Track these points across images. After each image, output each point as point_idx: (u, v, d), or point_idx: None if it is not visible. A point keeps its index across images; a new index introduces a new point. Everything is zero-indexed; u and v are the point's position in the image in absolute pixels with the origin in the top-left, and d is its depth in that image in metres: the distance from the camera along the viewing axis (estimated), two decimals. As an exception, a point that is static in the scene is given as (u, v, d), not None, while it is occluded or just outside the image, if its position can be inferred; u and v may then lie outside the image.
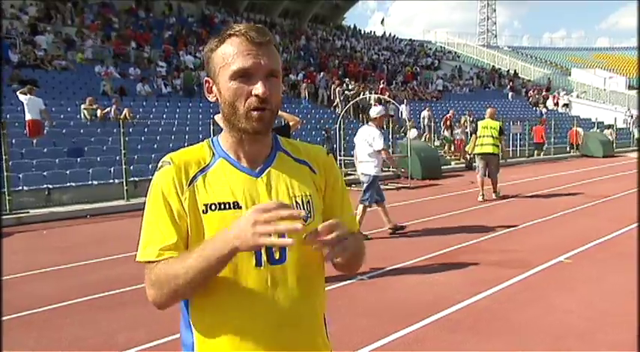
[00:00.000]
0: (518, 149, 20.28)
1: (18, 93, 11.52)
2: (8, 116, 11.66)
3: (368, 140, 6.80)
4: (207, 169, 1.19)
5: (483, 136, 9.77)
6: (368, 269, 5.25)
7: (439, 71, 33.55)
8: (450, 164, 17.30)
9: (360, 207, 6.80)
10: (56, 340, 3.68)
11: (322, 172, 1.29)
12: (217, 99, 1.20)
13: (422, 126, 19.45)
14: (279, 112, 5.62)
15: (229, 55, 1.14)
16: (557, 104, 31.27)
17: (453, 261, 5.59)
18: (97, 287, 4.79)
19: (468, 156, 15.30)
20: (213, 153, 1.22)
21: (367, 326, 3.87)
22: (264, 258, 1.14)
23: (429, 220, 8.08)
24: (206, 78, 1.22)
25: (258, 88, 1.12)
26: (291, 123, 5.18)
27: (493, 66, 37.89)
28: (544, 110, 29.30)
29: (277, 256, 1.16)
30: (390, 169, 14.35)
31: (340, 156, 13.48)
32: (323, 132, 12.37)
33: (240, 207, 1.15)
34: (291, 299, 1.16)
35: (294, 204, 1.19)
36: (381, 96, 18.95)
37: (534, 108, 29.82)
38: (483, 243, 6.49)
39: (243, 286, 1.13)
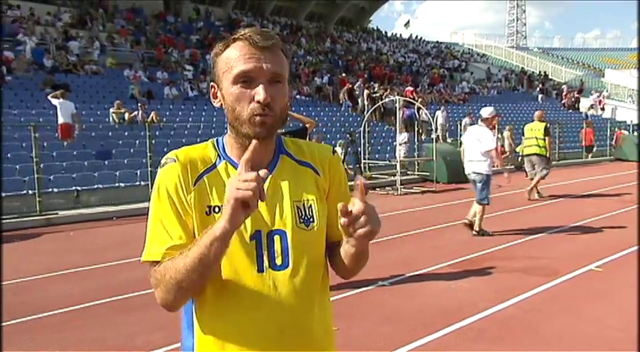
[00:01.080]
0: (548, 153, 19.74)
1: (49, 97, 11.85)
2: (41, 119, 12.00)
3: (480, 139, 6.90)
4: (212, 170, 1.18)
5: (529, 138, 10.05)
6: (390, 274, 5.17)
7: (466, 73, 33.08)
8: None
9: (479, 206, 6.95)
10: (77, 342, 3.72)
11: (327, 173, 1.26)
12: (222, 104, 1.18)
13: (436, 127, 19.08)
14: (295, 115, 5.58)
15: (232, 59, 1.13)
16: (603, 108, 30.23)
17: (477, 268, 5.45)
18: (119, 289, 4.84)
19: (518, 158, 15.63)
20: (218, 155, 1.20)
21: (388, 333, 3.78)
22: (265, 263, 1.13)
23: (454, 225, 7.91)
24: (211, 83, 1.21)
25: (260, 94, 1.10)
26: (307, 126, 5.18)
27: (522, 68, 37.15)
28: (590, 112, 28.44)
29: (279, 262, 1.14)
30: (416, 172, 14.19)
31: (365, 159, 13.39)
32: (347, 135, 12.30)
33: None
34: (293, 305, 1.14)
35: (296, 208, 1.18)
36: (408, 99, 18.77)
37: (569, 111, 28.99)
38: (509, 249, 6.31)
39: (245, 292, 1.12)
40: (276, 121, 1.14)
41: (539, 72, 36.14)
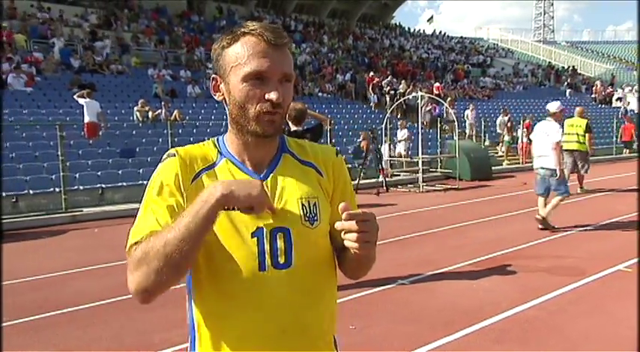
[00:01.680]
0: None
1: (75, 96, 12.10)
2: (68, 118, 12.26)
3: (548, 133, 6.91)
4: (212, 168, 1.16)
5: (569, 134, 10.08)
6: (410, 273, 5.09)
7: (491, 69, 32.53)
8: (502, 164, 16.68)
9: (557, 198, 6.97)
10: (97, 338, 3.77)
11: (330, 174, 1.23)
12: (224, 98, 1.15)
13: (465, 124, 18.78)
14: (312, 112, 5.57)
15: (243, 54, 1.10)
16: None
17: (500, 267, 5.32)
18: (140, 285, 4.88)
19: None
20: (219, 152, 1.18)
21: (407, 333, 3.72)
22: (268, 262, 1.10)
23: (477, 223, 7.78)
24: (213, 75, 1.17)
25: (273, 94, 1.08)
26: (322, 123, 5.20)
27: (549, 62, 36.33)
28: (629, 107, 27.60)
29: (282, 260, 1.11)
30: (438, 170, 14.01)
31: (386, 156, 13.26)
32: (369, 133, 12.19)
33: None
34: (296, 305, 1.12)
35: (300, 206, 1.15)
36: (432, 96, 18.54)
37: (600, 106, 28.14)
38: (534, 247, 6.16)
39: (246, 291, 1.10)
40: (282, 120, 1.14)
41: (567, 66, 35.27)
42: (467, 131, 18.71)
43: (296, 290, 1.12)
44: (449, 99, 18.54)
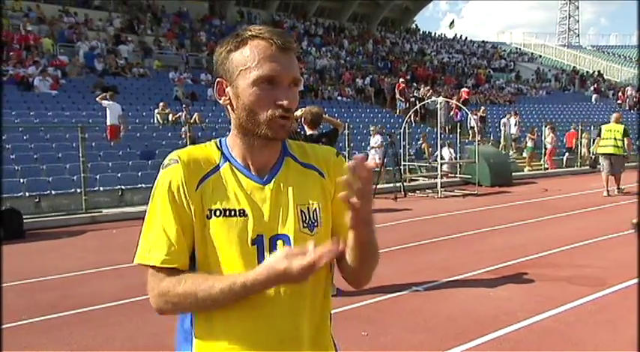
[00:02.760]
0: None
1: (98, 99, 12.30)
2: (90, 120, 12.49)
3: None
4: (215, 172, 1.15)
5: (606, 138, 10.72)
6: (425, 279, 5.03)
7: (514, 73, 32.09)
8: (523, 170, 16.42)
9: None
10: (111, 339, 3.81)
11: (332, 175, 1.21)
12: (230, 102, 1.14)
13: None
14: (327, 117, 5.54)
15: (253, 58, 1.09)
16: None
17: (517, 275, 5.22)
18: (154, 286, 4.92)
19: (592, 157, 16.55)
20: (221, 156, 1.17)
21: (419, 341, 3.67)
22: None
23: (495, 229, 7.65)
24: (218, 79, 1.16)
25: (286, 100, 1.09)
26: (337, 128, 5.18)
27: (574, 67, 35.69)
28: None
29: None
30: (457, 175, 13.85)
31: (404, 161, 13.17)
32: (387, 137, 12.13)
33: (245, 215, 1.11)
34: (295, 313, 1.12)
35: (299, 212, 1.14)
36: (453, 101, 18.37)
37: (630, 111, 27.46)
38: (553, 256, 6.02)
39: (246, 299, 1.08)
40: (292, 123, 1.13)
41: (593, 71, 34.59)
42: (502, 141, 18.19)
43: (295, 298, 1.11)
44: (480, 110, 18.28)
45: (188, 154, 1.15)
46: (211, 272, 1.10)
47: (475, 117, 16.14)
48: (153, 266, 1.10)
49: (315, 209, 1.16)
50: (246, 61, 1.09)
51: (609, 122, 11.01)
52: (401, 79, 21.78)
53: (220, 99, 1.17)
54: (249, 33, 1.11)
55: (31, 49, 16.43)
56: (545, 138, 16.86)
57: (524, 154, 17.65)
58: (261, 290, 1.05)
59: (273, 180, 1.15)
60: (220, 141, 1.21)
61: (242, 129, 1.13)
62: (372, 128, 13.78)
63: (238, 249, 1.09)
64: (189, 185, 1.11)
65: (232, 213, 1.10)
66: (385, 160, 11.54)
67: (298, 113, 4.75)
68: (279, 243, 1.11)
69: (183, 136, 10.85)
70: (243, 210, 1.11)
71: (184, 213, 1.10)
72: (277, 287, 1.09)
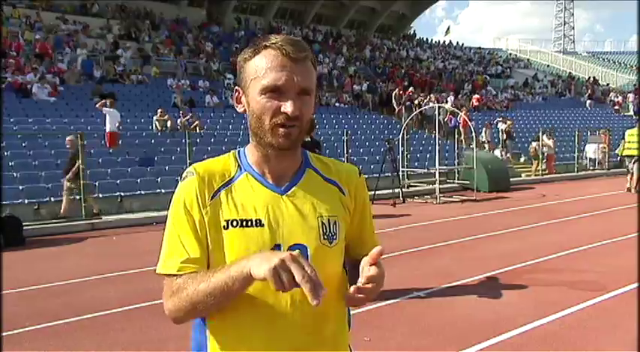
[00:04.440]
0: (596, 162, 18.91)
1: (97, 106, 12.28)
2: (89, 127, 12.49)
3: None
4: (232, 183, 1.16)
5: (631, 141, 12.06)
6: (425, 285, 5.05)
7: (510, 80, 32.26)
8: (521, 176, 16.49)
9: None
10: (114, 344, 3.82)
11: (352, 194, 1.24)
12: (245, 110, 1.17)
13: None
14: None
15: (262, 67, 1.10)
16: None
17: (517, 280, 5.25)
18: (156, 293, 4.86)
19: (618, 158, 17.62)
20: (239, 166, 1.19)
21: (422, 346, 3.69)
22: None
23: (494, 235, 7.69)
24: (236, 87, 1.19)
25: (288, 107, 1.09)
26: None
27: (570, 73, 35.91)
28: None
29: None
30: (456, 181, 13.90)
31: (403, 167, 13.22)
32: (385, 143, 12.17)
33: (262, 225, 1.12)
34: (309, 321, 1.12)
35: (320, 224, 1.15)
36: (449, 107, 18.46)
37: (634, 117, 27.56)
38: (553, 261, 6.06)
39: (262, 306, 1.10)
40: (301, 133, 1.13)
41: (588, 77, 34.81)
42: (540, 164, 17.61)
43: (310, 307, 1.09)
44: (508, 122, 18.25)
45: (205, 167, 1.17)
46: None
47: (472, 125, 16.20)
48: (169, 275, 1.11)
49: (335, 221, 1.17)
50: (256, 71, 1.11)
51: (633, 127, 12.48)
52: (411, 88, 21.83)
53: (238, 107, 1.19)
54: (264, 43, 1.12)
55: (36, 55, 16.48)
56: (542, 143, 16.93)
57: (521, 160, 17.74)
58: (239, 286, 1.01)
59: (292, 189, 1.16)
60: (239, 151, 1.22)
61: (255, 137, 1.15)
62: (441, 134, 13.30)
63: None
64: (202, 198, 1.12)
65: (249, 223, 1.11)
66: (383, 166, 11.59)
67: None
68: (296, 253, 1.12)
69: (183, 142, 10.83)
70: (260, 220, 1.11)
71: (200, 224, 1.12)
72: (292, 296, 1.09)
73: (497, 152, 16.90)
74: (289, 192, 1.16)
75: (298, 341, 1.11)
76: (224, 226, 1.11)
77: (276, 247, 1.11)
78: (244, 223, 1.11)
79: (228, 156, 1.21)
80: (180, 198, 1.14)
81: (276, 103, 1.09)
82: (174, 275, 1.10)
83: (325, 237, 1.15)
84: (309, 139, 4.90)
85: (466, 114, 16.54)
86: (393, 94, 20.35)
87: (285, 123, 1.09)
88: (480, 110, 22.99)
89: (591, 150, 18.80)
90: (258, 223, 1.11)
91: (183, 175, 1.17)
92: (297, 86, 1.09)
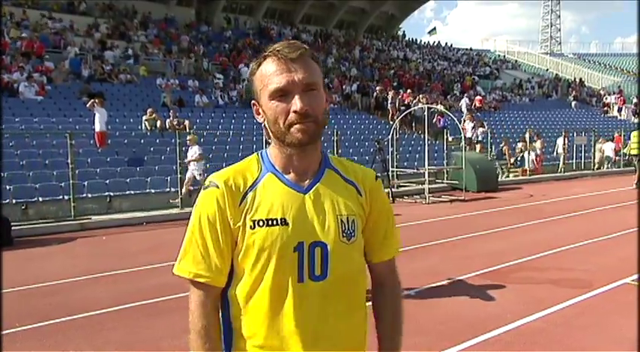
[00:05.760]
0: (582, 161, 19.21)
1: (88, 105, 12.14)
2: (77, 127, 12.40)
3: None
4: (256, 185, 1.22)
5: (635, 142, 13.23)
6: (415, 284, 5.11)
7: (498, 81, 32.57)
8: (509, 176, 16.67)
9: None
10: (106, 344, 3.83)
11: (368, 196, 1.29)
12: (264, 119, 1.23)
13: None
14: None
15: (265, 76, 1.18)
16: (620, 110, 29.47)
17: (505, 279, 5.34)
18: (148, 293, 4.94)
19: (627, 156, 18.69)
20: (261, 168, 1.24)
21: (411, 345, 3.74)
22: (305, 274, 1.17)
23: (482, 234, 7.79)
24: (252, 101, 1.26)
25: (296, 104, 1.14)
26: None
27: (556, 74, 36.34)
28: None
29: (319, 272, 1.18)
30: (445, 181, 14.02)
31: (392, 167, 13.31)
32: (375, 144, 12.25)
33: (287, 224, 1.17)
34: (329, 314, 1.18)
35: (339, 222, 1.21)
36: (437, 107, 18.59)
37: (612, 118, 28.03)
38: (540, 260, 6.16)
39: (284, 300, 1.16)
40: (318, 127, 1.18)
41: (574, 78, 35.27)
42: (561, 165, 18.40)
43: (331, 300, 1.19)
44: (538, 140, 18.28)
45: (228, 176, 1.22)
46: (253, 277, 1.17)
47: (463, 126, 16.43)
48: (189, 280, 1.20)
49: (353, 220, 1.23)
50: (261, 81, 1.19)
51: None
52: (409, 91, 21.93)
53: (259, 119, 1.25)
54: (264, 54, 1.21)
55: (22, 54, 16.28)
56: (529, 144, 17.17)
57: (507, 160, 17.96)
58: None
59: (313, 189, 1.22)
60: (261, 153, 1.28)
61: (277, 140, 1.21)
62: (189, 138, 10.95)
63: (281, 256, 1.16)
64: (229, 205, 1.18)
65: (275, 222, 1.17)
66: (373, 166, 11.65)
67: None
68: (317, 250, 1.18)
69: (172, 142, 10.78)
70: (285, 219, 1.17)
71: (223, 232, 1.18)
72: (316, 293, 1.17)
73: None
74: (311, 191, 1.22)
75: (319, 330, 1.17)
76: (251, 226, 1.17)
77: (300, 244, 1.18)
78: (270, 222, 1.17)
79: (251, 159, 1.27)
80: (201, 208, 1.21)
81: (286, 105, 1.16)
82: (191, 281, 1.20)
83: (344, 234, 1.21)
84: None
85: (471, 119, 16.93)
86: (389, 97, 20.46)
87: (299, 120, 1.15)
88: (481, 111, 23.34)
89: (609, 148, 19.73)
90: (283, 222, 1.17)
91: (206, 184, 1.23)
92: (300, 84, 1.15)
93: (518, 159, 17.45)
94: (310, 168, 1.24)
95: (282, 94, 1.16)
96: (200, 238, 1.19)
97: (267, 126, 1.22)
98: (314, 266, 1.17)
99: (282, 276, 1.16)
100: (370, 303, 1.35)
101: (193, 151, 10.58)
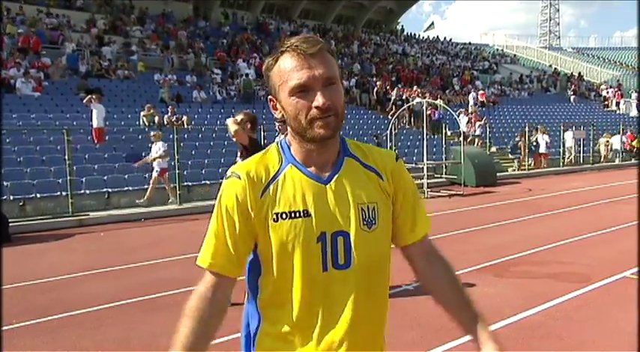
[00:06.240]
0: (581, 156, 19.22)
1: (85, 101, 12.09)
2: (74, 123, 12.35)
3: None
4: (277, 176, 1.22)
5: None
6: (414, 278, 5.10)
7: (497, 75, 32.50)
8: (507, 170, 16.67)
9: None
10: (105, 340, 3.82)
11: (390, 178, 1.29)
12: (283, 115, 1.23)
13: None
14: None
15: (285, 71, 1.18)
16: (617, 104, 29.50)
17: (504, 273, 5.34)
18: (147, 288, 4.93)
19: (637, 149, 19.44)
20: (282, 159, 1.24)
21: (411, 338, 3.74)
22: (329, 263, 1.19)
23: (481, 229, 7.79)
24: (269, 96, 1.26)
25: (318, 100, 1.14)
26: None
27: (555, 68, 36.28)
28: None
29: (342, 261, 1.20)
30: (443, 176, 14.02)
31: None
32: (374, 138, 12.25)
33: (309, 215, 1.19)
34: (354, 301, 1.20)
35: (360, 210, 1.22)
36: (432, 101, 18.55)
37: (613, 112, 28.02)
38: (538, 254, 6.16)
39: (309, 289, 1.18)
40: (338, 121, 1.19)
41: (573, 72, 35.22)
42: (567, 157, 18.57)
43: (355, 287, 1.20)
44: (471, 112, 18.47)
45: (249, 167, 1.22)
46: (279, 267, 1.19)
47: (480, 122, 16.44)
48: (205, 269, 1.23)
49: (374, 207, 1.23)
50: (280, 77, 1.19)
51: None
52: (414, 87, 21.88)
53: (276, 114, 1.25)
54: (281, 49, 1.20)
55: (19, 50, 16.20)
56: (533, 138, 17.21)
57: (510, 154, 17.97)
58: None
59: (334, 179, 1.22)
60: (281, 143, 1.28)
61: (298, 135, 1.21)
62: (152, 133, 10.71)
63: (305, 247, 1.17)
64: (250, 198, 1.19)
65: (297, 214, 1.18)
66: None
67: (241, 117, 4.65)
68: (340, 239, 1.19)
69: (170, 138, 10.75)
70: (307, 211, 1.18)
71: (242, 224, 1.19)
72: (340, 281, 1.19)
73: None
74: (331, 182, 1.22)
75: (345, 317, 1.19)
76: (274, 219, 1.18)
77: (322, 235, 1.19)
78: (293, 215, 1.18)
79: (271, 150, 1.27)
80: (223, 198, 1.22)
81: (307, 101, 1.16)
82: (206, 269, 1.22)
83: (365, 222, 1.22)
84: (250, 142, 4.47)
85: (475, 115, 16.92)
86: (394, 93, 20.40)
87: (321, 115, 1.15)
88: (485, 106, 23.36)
89: (617, 142, 19.78)
90: (306, 214, 1.18)
91: (228, 174, 1.23)
92: (320, 79, 1.15)
93: (534, 144, 17.41)
94: (330, 159, 1.24)
95: (302, 90, 1.16)
96: (219, 228, 1.21)
97: (286, 121, 1.22)
98: (337, 255, 1.19)
99: (306, 266, 1.17)
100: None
101: (157, 148, 10.30)
